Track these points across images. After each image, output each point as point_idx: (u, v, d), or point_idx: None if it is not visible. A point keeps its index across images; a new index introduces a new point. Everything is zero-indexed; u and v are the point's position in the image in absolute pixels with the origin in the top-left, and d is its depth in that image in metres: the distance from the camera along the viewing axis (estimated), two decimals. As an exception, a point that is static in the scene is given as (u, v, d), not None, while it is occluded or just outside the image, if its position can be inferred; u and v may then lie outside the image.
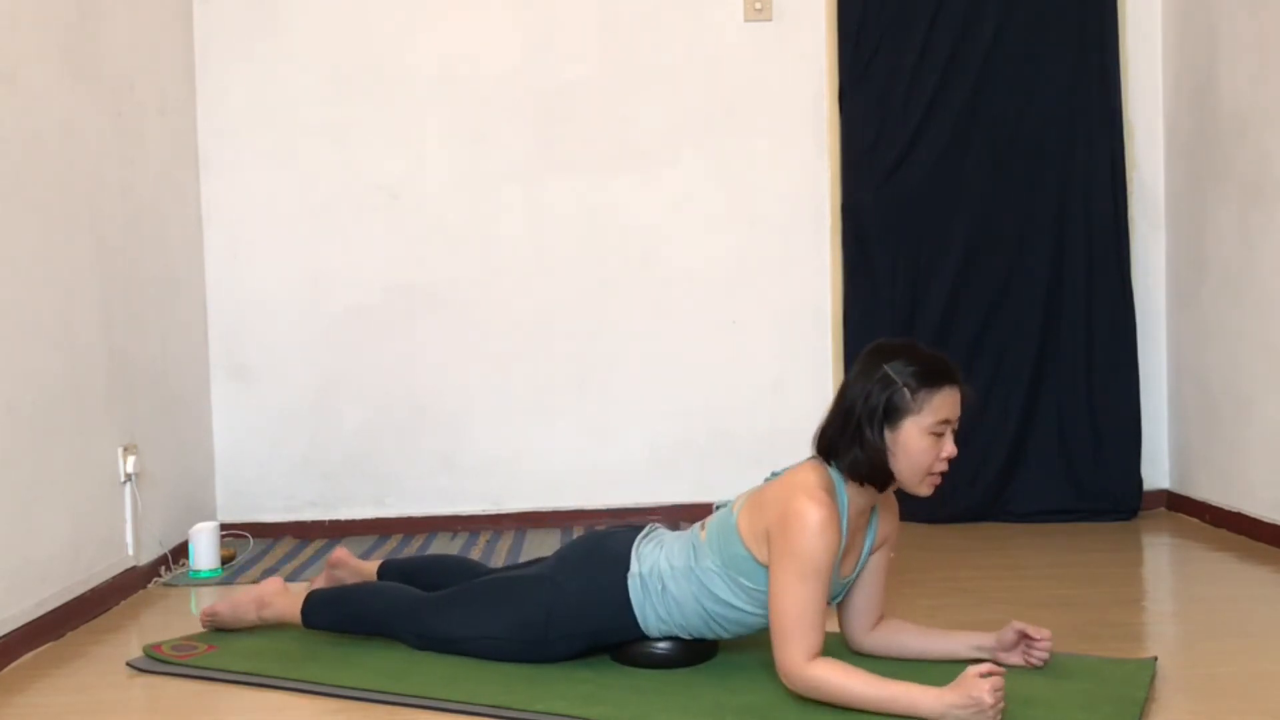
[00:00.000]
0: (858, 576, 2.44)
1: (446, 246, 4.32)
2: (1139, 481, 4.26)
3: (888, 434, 2.24)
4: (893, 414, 2.24)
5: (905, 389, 2.23)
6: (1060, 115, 4.26)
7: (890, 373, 2.25)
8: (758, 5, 4.33)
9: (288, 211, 4.30)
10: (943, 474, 2.28)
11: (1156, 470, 4.37)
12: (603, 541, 2.58)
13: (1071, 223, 4.27)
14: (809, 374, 4.37)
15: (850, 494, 2.30)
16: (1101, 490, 4.23)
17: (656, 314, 4.36)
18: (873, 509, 2.40)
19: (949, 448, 2.25)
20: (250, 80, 4.27)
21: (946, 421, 2.24)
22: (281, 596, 2.84)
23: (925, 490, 2.29)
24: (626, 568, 2.47)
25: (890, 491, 2.37)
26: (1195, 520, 4.14)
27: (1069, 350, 4.28)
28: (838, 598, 2.43)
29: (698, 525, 2.49)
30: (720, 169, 4.36)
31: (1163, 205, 4.37)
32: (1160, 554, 3.79)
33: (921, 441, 2.23)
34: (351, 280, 4.31)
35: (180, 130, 4.11)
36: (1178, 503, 4.31)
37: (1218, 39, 3.97)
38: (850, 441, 2.27)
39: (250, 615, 2.84)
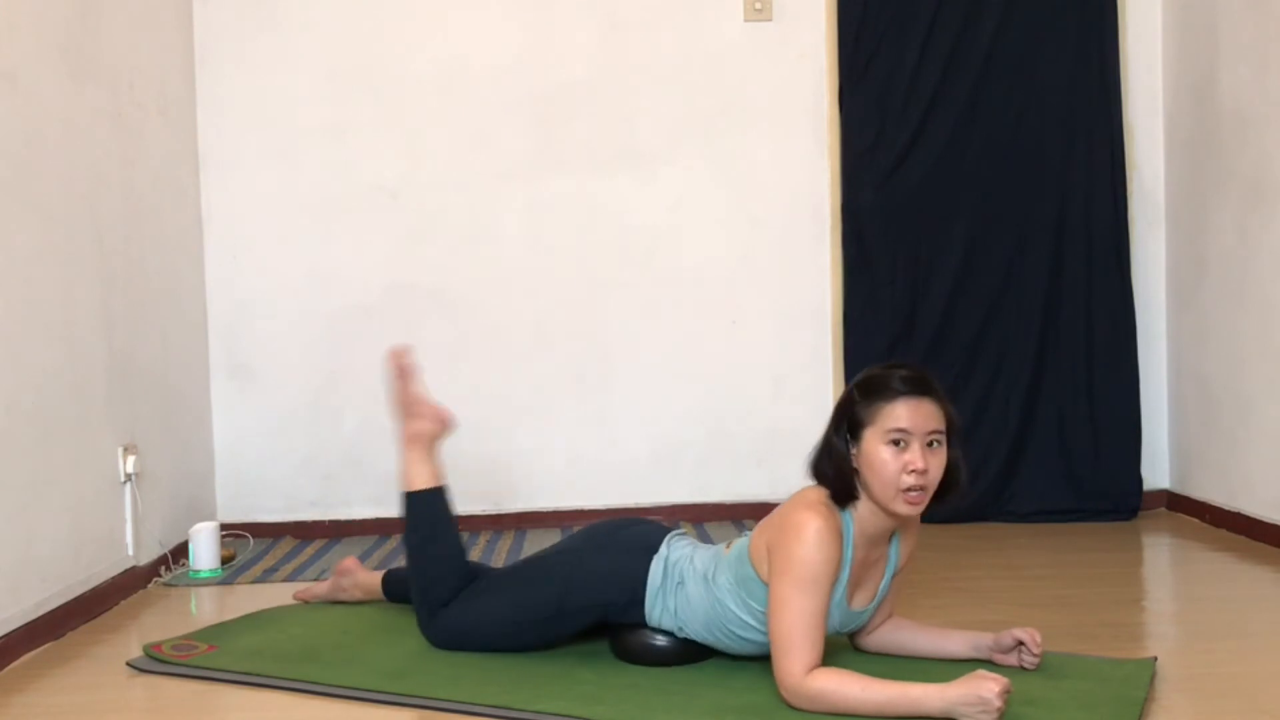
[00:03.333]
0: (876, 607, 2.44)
1: (446, 246, 4.32)
2: (1139, 481, 4.26)
3: (854, 448, 2.27)
4: (854, 426, 2.27)
5: (861, 400, 2.27)
6: (1060, 115, 4.27)
7: (852, 386, 2.32)
8: (758, 5, 4.33)
9: (287, 211, 4.30)
10: (920, 489, 2.22)
11: (1156, 470, 4.37)
12: (633, 524, 2.65)
13: (1071, 222, 4.28)
14: (809, 374, 4.37)
15: (856, 520, 2.29)
16: (1101, 490, 4.23)
17: (656, 314, 4.36)
18: (891, 541, 2.38)
19: (913, 459, 2.21)
20: (250, 80, 4.27)
21: (902, 430, 2.22)
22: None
23: (902, 507, 2.24)
24: (654, 550, 2.51)
25: (911, 518, 2.34)
26: (1195, 520, 4.14)
27: (1069, 350, 4.28)
28: (848, 627, 2.42)
29: (725, 542, 2.52)
30: (720, 169, 4.36)
31: (1163, 205, 4.37)
32: (1160, 554, 3.79)
33: (881, 452, 2.22)
34: (351, 280, 4.31)
35: (180, 130, 4.11)
36: (1178, 503, 4.31)
37: (1218, 39, 3.97)
38: (825, 456, 2.31)
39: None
